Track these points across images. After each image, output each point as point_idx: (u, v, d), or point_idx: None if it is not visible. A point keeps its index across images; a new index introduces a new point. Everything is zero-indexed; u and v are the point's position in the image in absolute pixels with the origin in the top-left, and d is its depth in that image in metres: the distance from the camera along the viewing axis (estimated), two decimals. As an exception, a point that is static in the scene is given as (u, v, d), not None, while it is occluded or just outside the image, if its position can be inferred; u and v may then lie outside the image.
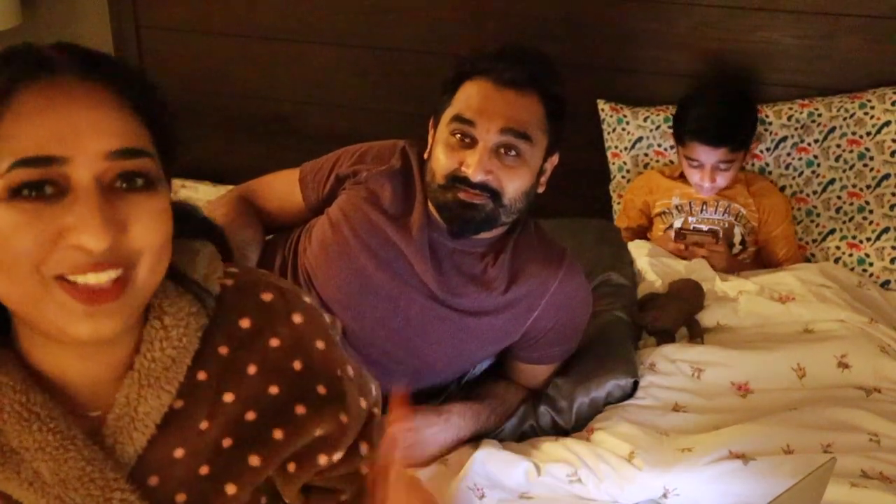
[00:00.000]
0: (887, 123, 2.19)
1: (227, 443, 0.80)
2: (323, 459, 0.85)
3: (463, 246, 1.55)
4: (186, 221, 0.83)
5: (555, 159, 1.56)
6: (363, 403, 0.89)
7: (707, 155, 2.14)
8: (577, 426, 1.61)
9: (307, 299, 0.88)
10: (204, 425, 0.80)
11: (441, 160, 1.48)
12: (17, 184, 0.67)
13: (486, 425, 1.57)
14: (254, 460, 0.81)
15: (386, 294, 1.53)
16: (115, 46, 2.87)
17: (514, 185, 1.47)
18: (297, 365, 0.83)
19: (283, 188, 1.74)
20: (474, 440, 1.54)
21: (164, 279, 0.77)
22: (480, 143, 1.45)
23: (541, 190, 1.56)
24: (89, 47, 0.74)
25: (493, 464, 1.44)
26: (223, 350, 0.81)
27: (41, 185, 0.67)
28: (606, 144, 2.44)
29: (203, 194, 2.53)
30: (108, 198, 0.69)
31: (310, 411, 0.83)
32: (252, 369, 0.82)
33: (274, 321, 0.83)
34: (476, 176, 1.44)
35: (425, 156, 1.57)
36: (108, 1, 2.82)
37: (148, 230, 0.71)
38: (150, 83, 0.76)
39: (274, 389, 0.82)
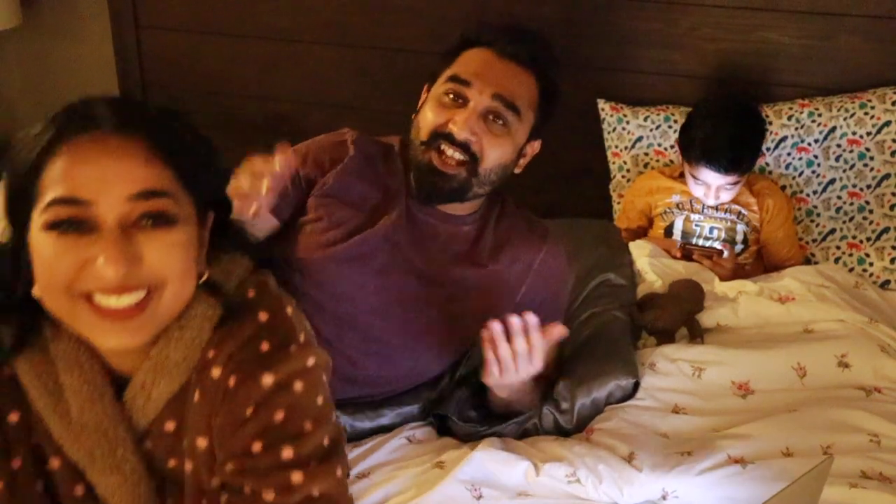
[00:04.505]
0: (887, 123, 2.19)
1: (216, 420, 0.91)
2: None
3: (447, 223, 1.58)
4: (228, 237, 0.96)
5: (536, 146, 1.61)
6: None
7: (714, 178, 2.12)
8: (578, 427, 1.60)
9: (302, 338, 0.94)
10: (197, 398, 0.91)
11: (429, 116, 1.53)
12: (54, 219, 0.82)
13: (531, 403, 1.57)
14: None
15: (381, 284, 1.54)
16: (116, 46, 2.87)
17: (494, 154, 1.51)
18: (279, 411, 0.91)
19: None
20: (473, 439, 1.54)
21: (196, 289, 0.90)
22: (471, 103, 1.50)
23: (517, 171, 1.60)
24: (131, 100, 0.90)
25: (491, 463, 1.44)
26: (233, 349, 0.90)
27: (78, 222, 0.82)
28: (606, 144, 2.44)
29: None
30: (129, 233, 0.83)
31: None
32: (232, 381, 0.90)
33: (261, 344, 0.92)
34: (461, 134, 1.49)
35: (413, 116, 1.60)
36: (108, 1, 2.82)
37: (161, 260, 0.85)
38: (179, 128, 0.89)
39: (250, 410, 0.90)
